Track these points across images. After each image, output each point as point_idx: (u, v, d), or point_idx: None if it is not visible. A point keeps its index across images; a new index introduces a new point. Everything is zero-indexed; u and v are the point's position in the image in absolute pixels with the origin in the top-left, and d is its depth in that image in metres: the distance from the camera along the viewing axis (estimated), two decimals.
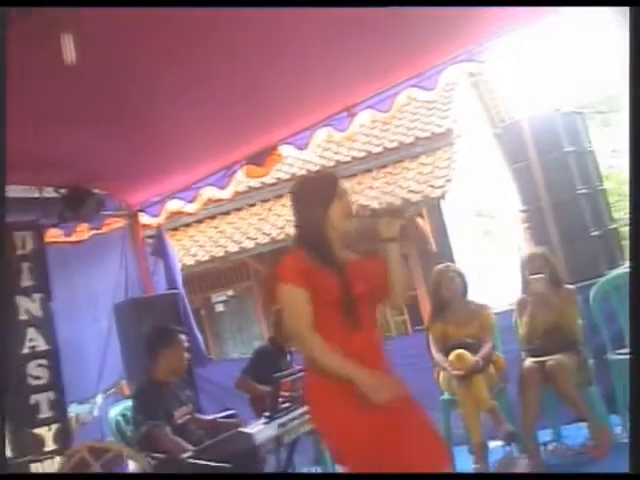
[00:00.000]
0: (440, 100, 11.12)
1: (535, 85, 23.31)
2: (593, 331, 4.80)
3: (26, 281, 4.88)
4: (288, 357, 5.41)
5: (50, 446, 4.75)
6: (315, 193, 2.71)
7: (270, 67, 4.08)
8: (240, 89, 4.26)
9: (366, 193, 11.12)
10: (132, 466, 4.25)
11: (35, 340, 4.83)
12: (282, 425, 3.95)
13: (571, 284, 4.91)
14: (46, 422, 4.77)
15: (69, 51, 2.75)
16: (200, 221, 12.38)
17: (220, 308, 12.88)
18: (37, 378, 4.79)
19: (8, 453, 4.52)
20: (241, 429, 4.06)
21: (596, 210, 5.83)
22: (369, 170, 11.82)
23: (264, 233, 11.33)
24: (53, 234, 5.35)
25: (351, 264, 2.65)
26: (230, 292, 12.67)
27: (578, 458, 4.49)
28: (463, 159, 11.38)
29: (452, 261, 7.16)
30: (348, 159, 12.01)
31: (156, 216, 5.99)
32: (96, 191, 5.27)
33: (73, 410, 5.37)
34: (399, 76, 4.97)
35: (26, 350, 4.78)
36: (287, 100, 4.62)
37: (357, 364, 2.50)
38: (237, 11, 3.15)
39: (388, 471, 2.48)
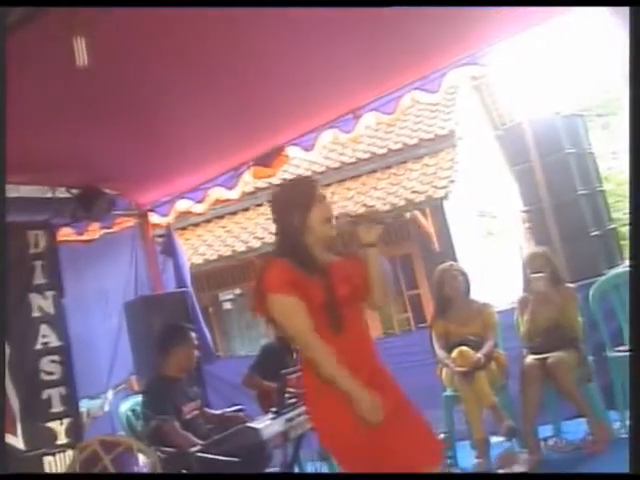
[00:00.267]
0: (443, 103, 11.15)
1: (536, 88, 23.37)
2: (592, 329, 4.86)
3: (39, 279, 4.94)
4: (294, 354, 5.46)
5: (62, 440, 4.81)
6: (294, 200, 2.70)
7: (277, 70, 4.14)
8: (248, 91, 4.32)
9: (370, 194, 11.20)
10: (142, 459, 4.34)
11: (48, 336, 4.89)
12: (288, 421, 4.01)
13: (571, 283, 4.97)
14: (58, 416, 4.83)
15: (80, 53, 2.76)
16: (208, 221, 12.45)
17: (228, 306, 12.94)
18: (50, 373, 4.85)
19: (21, 446, 4.61)
20: (248, 424, 4.14)
21: (596, 210, 5.89)
22: (374, 171, 11.87)
23: (271, 232, 11.36)
24: (65, 233, 5.39)
25: (333, 266, 2.66)
26: (237, 290, 12.71)
27: (578, 453, 4.53)
28: (466, 160, 11.42)
29: (455, 260, 7.20)
30: (353, 160, 12.06)
31: (165, 216, 6.03)
32: (107, 191, 5.31)
33: (84, 405, 5.43)
34: (403, 79, 5.04)
35: (39, 346, 4.84)
36: (294, 102, 4.68)
37: (359, 383, 2.49)
38: (245, 14, 3.20)
39: (384, 469, 2.50)
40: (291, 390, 4.18)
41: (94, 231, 5.56)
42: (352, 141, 8.21)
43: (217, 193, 5.89)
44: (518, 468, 4.41)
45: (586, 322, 4.78)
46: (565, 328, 4.69)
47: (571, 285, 4.91)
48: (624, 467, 2.45)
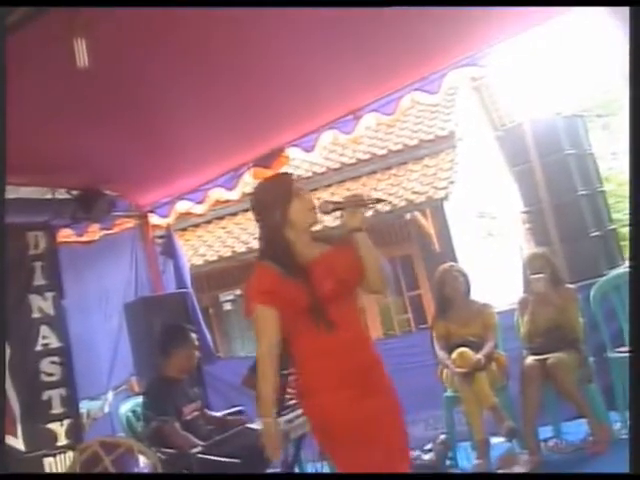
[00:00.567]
0: (443, 103, 11.13)
1: (536, 89, 23.45)
2: (593, 330, 4.85)
3: (39, 280, 4.94)
4: None
5: (62, 441, 4.81)
6: (273, 196, 2.70)
7: (277, 70, 4.14)
8: (248, 92, 4.32)
9: (371, 194, 11.20)
10: (143, 461, 4.34)
11: (48, 337, 4.89)
12: (289, 421, 3.99)
13: (572, 284, 4.96)
14: (58, 417, 4.83)
15: (81, 53, 2.77)
16: (208, 222, 12.43)
17: (228, 307, 12.92)
18: (50, 375, 4.85)
19: (22, 447, 4.61)
20: (248, 425, 4.14)
21: (596, 211, 5.88)
22: (374, 172, 11.86)
23: None
24: (65, 234, 5.40)
25: (316, 262, 2.63)
26: (238, 291, 12.67)
27: (578, 454, 4.53)
28: (466, 161, 11.43)
29: (455, 261, 7.21)
30: (353, 161, 12.05)
31: (165, 217, 6.04)
32: (107, 192, 5.32)
33: (85, 406, 5.44)
34: (403, 80, 5.05)
35: (39, 347, 4.84)
36: (294, 103, 4.69)
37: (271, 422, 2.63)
38: (245, 15, 3.20)
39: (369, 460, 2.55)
40: (291, 391, 4.18)
41: (94, 232, 5.56)
42: (352, 142, 8.22)
43: (217, 194, 5.89)
44: (518, 469, 4.41)
45: (587, 323, 4.77)
46: (565, 329, 4.68)
47: (571, 286, 4.90)
48: (624, 468, 2.44)
